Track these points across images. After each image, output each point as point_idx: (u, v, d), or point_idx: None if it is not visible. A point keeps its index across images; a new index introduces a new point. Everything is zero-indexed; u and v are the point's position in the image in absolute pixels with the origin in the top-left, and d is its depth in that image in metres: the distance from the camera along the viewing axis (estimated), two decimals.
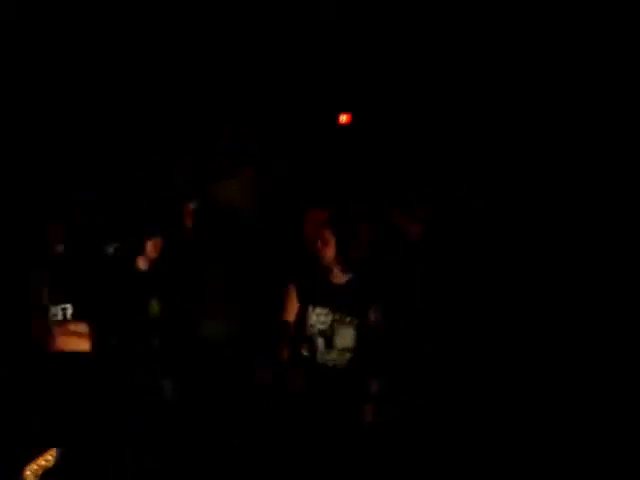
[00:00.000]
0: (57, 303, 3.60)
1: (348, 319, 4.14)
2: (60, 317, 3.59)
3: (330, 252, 4.16)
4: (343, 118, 8.06)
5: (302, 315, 4.11)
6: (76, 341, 3.46)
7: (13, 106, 7.44)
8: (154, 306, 4.59)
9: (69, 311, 3.67)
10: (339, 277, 4.26)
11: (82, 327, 3.56)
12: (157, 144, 8.01)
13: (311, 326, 4.11)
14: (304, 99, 8.08)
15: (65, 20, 7.00)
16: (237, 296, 5.34)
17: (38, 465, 2.61)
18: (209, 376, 5.00)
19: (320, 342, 4.07)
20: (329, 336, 4.07)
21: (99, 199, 6.32)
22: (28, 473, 2.68)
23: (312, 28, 7.37)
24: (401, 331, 5.79)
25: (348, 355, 4.14)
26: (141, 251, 4.33)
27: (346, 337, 4.11)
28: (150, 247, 4.24)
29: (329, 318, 4.11)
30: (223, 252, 5.48)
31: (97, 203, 6.23)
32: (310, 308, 4.11)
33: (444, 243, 6.67)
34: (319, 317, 4.09)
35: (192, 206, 5.49)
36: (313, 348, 4.09)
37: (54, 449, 2.60)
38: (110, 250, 4.32)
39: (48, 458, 2.66)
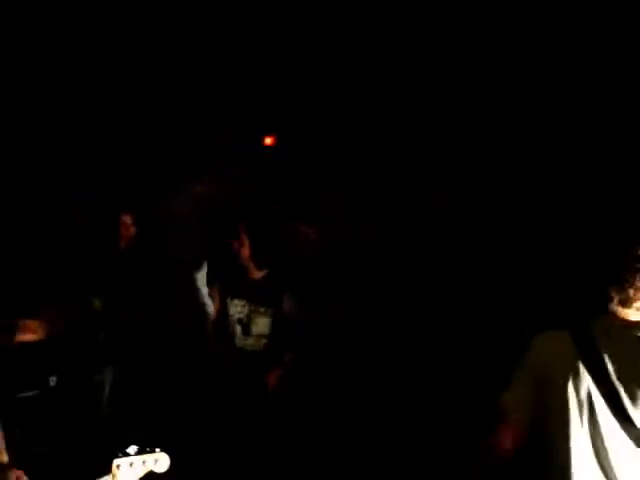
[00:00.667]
0: None
1: (263, 309, 4.67)
2: None
3: (245, 251, 4.70)
4: (267, 141, 8.27)
5: (223, 307, 4.77)
6: (30, 335, 3.98)
7: (13, 107, 7.50)
8: (96, 303, 5.30)
9: None
10: (255, 273, 4.80)
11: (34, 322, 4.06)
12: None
13: (231, 316, 4.72)
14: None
15: (65, 20, 7.00)
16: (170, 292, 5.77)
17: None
18: (150, 365, 5.45)
19: (238, 329, 4.69)
20: (246, 324, 4.66)
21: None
22: None
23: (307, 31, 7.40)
24: (401, 331, 5.84)
25: (264, 340, 4.66)
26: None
27: (260, 325, 4.65)
28: None
29: (246, 309, 4.68)
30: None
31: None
32: (229, 300, 4.75)
33: (443, 243, 6.69)
34: (237, 308, 4.70)
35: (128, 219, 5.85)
36: (232, 334, 4.71)
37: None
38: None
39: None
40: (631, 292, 2.28)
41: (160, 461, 2.54)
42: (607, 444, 2.36)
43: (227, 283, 4.98)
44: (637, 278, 2.28)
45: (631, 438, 2.32)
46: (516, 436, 2.45)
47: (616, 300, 2.33)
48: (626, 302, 2.31)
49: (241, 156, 8.18)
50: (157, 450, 2.54)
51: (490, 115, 7.64)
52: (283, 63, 7.48)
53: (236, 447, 4.65)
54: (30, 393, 4.26)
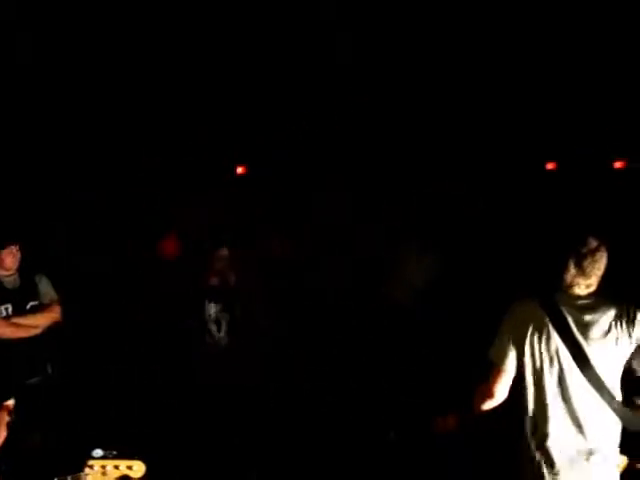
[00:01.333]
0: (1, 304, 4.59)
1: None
2: (4, 314, 4.57)
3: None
4: (239, 170, 8.47)
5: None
6: (16, 331, 4.51)
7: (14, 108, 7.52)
8: None
9: (10, 309, 4.61)
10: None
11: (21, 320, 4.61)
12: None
13: (209, 315, 5.52)
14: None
15: (65, 22, 7.00)
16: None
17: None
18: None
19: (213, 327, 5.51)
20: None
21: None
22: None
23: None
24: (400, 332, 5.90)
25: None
26: None
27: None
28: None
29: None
30: None
31: None
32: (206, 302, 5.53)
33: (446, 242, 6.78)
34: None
35: None
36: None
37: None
38: None
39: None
40: (571, 276, 2.97)
41: (135, 468, 2.63)
42: (573, 393, 2.93)
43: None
44: (572, 265, 2.96)
45: (593, 386, 2.91)
46: (504, 382, 3.00)
47: (569, 280, 2.99)
48: (573, 283, 2.99)
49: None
50: (133, 458, 2.65)
51: (487, 117, 7.66)
52: (283, 66, 7.50)
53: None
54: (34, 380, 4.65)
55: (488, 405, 3.03)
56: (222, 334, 5.47)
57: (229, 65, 7.33)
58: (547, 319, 2.94)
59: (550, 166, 8.10)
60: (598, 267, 2.97)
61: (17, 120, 7.61)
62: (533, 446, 2.97)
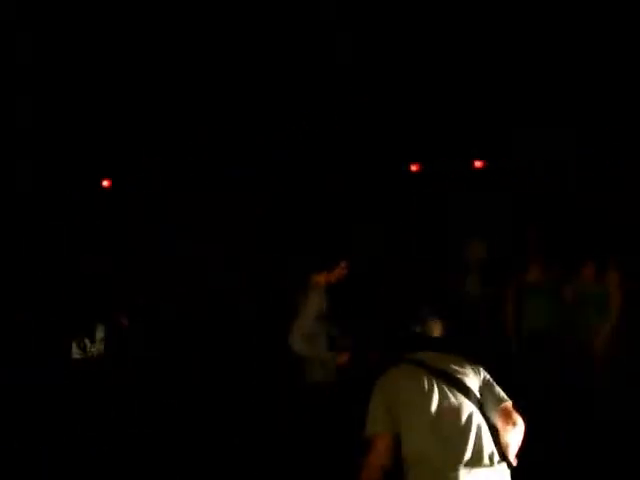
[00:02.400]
0: None
1: None
2: None
3: None
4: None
5: None
6: None
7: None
8: None
9: None
10: None
11: None
12: None
13: None
14: None
15: (65, 22, 6.74)
16: None
17: None
18: None
19: None
20: None
21: None
22: None
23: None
24: None
25: None
26: None
27: None
28: None
29: None
30: None
31: None
32: None
33: None
34: None
35: None
36: None
37: None
38: None
39: None
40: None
41: None
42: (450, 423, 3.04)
43: None
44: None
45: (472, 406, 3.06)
46: (386, 454, 3.04)
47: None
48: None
49: None
50: None
51: None
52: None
53: None
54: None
55: (384, 471, 3.05)
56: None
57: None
58: (420, 371, 3.10)
59: (414, 168, 8.19)
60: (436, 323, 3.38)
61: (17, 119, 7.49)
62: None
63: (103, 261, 5.74)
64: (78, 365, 5.04)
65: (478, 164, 7.93)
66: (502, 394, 3.16)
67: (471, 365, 3.21)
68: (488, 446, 3.04)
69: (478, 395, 3.11)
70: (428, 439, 3.00)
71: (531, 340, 5.45)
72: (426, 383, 3.08)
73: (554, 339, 5.39)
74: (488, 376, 3.21)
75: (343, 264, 4.64)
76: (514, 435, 3.11)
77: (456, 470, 2.95)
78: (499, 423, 3.10)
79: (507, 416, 3.10)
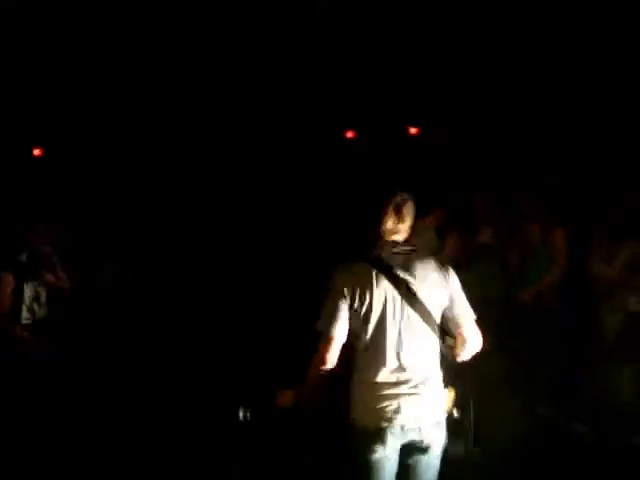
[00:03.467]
0: None
1: None
2: None
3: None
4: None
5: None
6: None
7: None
8: None
9: None
10: None
11: None
12: None
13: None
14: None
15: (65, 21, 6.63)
16: None
17: None
18: None
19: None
20: None
21: None
22: None
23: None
24: None
25: None
26: None
27: None
28: None
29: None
30: None
31: None
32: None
33: None
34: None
35: None
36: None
37: None
38: None
39: None
40: (391, 223, 3.16)
41: None
42: (405, 329, 3.09)
43: None
44: (391, 212, 3.15)
45: (421, 316, 3.10)
46: (334, 348, 3.06)
47: (389, 227, 3.16)
48: (394, 230, 3.17)
49: None
50: None
51: None
52: None
53: None
54: None
55: (320, 371, 3.09)
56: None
57: None
58: (372, 271, 3.06)
59: (350, 134, 8.26)
60: (411, 214, 3.21)
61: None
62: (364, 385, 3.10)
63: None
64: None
65: (413, 130, 8.08)
66: (466, 309, 3.21)
67: (440, 272, 3.17)
68: (425, 367, 3.11)
69: (431, 308, 3.11)
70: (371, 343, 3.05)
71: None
72: (375, 283, 3.05)
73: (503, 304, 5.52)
74: (457, 285, 3.21)
75: None
76: (465, 353, 3.20)
77: (386, 389, 3.04)
78: (457, 339, 3.18)
79: (465, 335, 3.16)
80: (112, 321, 6.27)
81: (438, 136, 7.74)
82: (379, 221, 3.14)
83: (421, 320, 3.10)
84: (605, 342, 5.29)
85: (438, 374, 3.18)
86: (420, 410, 3.08)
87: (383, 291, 3.05)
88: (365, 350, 3.09)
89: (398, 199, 3.18)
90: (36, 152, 8.20)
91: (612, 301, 5.20)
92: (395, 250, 3.14)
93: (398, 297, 3.07)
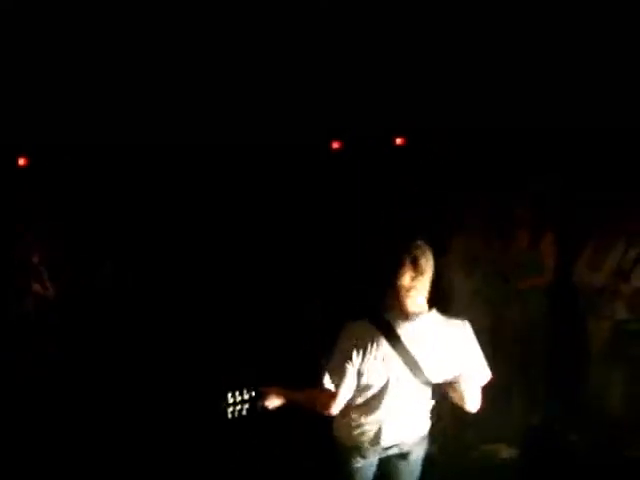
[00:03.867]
0: None
1: None
2: None
3: None
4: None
5: None
6: None
7: None
8: None
9: None
10: None
11: None
12: None
13: None
14: None
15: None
16: None
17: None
18: None
19: None
20: None
21: None
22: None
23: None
24: None
25: None
26: None
27: None
28: None
29: None
30: None
31: None
32: None
33: None
34: None
35: None
36: None
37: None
38: None
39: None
40: (409, 277, 3.07)
41: None
42: (402, 395, 3.15)
43: None
44: (408, 263, 3.06)
45: (421, 382, 3.12)
46: (341, 401, 3.17)
47: (403, 287, 3.08)
48: (409, 288, 3.08)
49: None
50: None
51: None
52: None
53: None
54: None
55: (322, 414, 3.22)
56: None
57: None
58: (376, 333, 3.05)
59: (335, 145, 8.25)
60: (430, 265, 3.10)
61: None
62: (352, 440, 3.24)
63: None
64: None
65: (399, 141, 8.07)
66: (475, 371, 3.16)
67: (453, 332, 3.13)
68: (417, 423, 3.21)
69: (432, 375, 3.11)
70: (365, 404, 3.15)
71: None
72: (376, 346, 3.05)
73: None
74: (471, 344, 3.16)
75: None
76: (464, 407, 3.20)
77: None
78: (455, 395, 3.17)
79: (465, 398, 3.14)
80: (111, 321, 6.25)
81: (425, 145, 7.75)
82: (396, 276, 3.06)
83: (418, 386, 3.13)
84: (592, 351, 5.28)
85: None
86: (403, 429, 3.23)
87: (382, 354, 3.04)
88: (358, 402, 3.19)
89: (416, 252, 3.06)
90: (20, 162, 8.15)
91: (599, 309, 5.19)
92: (406, 312, 3.08)
93: (398, 361, 3.06)
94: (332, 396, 3.13)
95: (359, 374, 3.08)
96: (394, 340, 3.02)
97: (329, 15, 7.35)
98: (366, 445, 3.23)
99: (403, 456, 3.29)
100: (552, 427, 5.24)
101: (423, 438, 3.31)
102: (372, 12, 7.25)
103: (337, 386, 3.11)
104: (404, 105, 7.72)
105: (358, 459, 3.26)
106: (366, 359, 3.03)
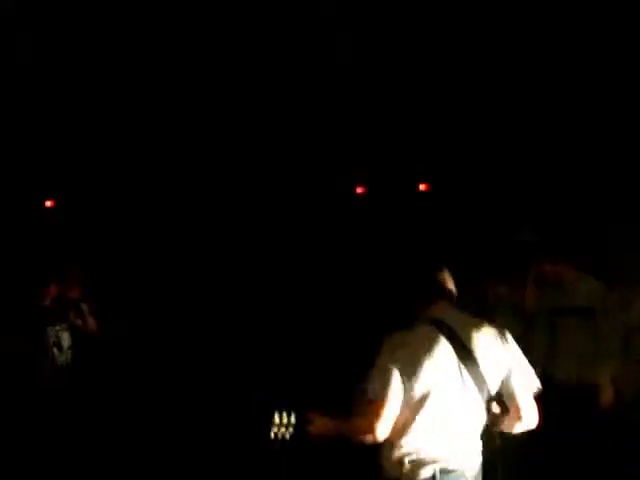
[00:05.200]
0: None
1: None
2: None
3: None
4: None
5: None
6: None
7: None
8: None
9: None
10: None
11: None
12: None
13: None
14: None
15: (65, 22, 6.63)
16: None
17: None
18: None
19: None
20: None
21: None
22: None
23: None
24: None
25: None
26: None
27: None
28: None
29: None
30: None
31: None
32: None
33: None
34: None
35: None
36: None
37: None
38: None
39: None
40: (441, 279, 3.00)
41: None
42: (458, 397, 2.88)
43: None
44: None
45: (477, 385, 2.87)
46: (387, 416, 2.81)
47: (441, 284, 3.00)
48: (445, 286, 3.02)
49: None
50: None
51: None
52: None
53: None
54: None
55: (368, 441, 2.86)
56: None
57: None
58: (432, 333, 2.84)
59: (360, 190, 8.34)
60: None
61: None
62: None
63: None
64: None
65: (422, 187, 8.16)
66: (526, 378, 2.96)
67: (499, 335, 2.95)
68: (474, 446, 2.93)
69: (488, 377, 2.88)
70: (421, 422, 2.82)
71: None
72: (443, 356, 2.82)
73: None
74: (518, 351, 2.98)
75: None
76: (517, 428, 2.98)
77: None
78: (511, 411, 2.92)
79: (521, 408, 2.90)
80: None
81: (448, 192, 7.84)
82: (429, 276, 2.97)
83: (476, 389, 2.88)
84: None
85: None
86: (462, 455, 2.91)
87: (442, 356, 2.84)
88: (409, 422, 2.86)
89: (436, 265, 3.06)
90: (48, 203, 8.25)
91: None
92: (451, 310, 2.94)
93: (457, 363, 2.84)
94: (376, 410, 2.80)
95: (407, 385, 2.81)
96: (447, 334, 2.84)
97: (349, 66, 7.52)
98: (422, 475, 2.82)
99: None
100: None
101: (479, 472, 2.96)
102: (392, 64, 7.42)
103: (380, 399, 2.80)
104: (426, 152, 7.84)
105: None
106: (412, 358, 2.82)
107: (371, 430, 2.79)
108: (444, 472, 2.83)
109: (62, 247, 6.65)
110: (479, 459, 2.98)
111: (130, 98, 7.62)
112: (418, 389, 2.80)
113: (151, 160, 8.16)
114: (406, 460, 2.84)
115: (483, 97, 7.29)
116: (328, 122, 7.98)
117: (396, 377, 2.78)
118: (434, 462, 2.84)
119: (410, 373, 2.79)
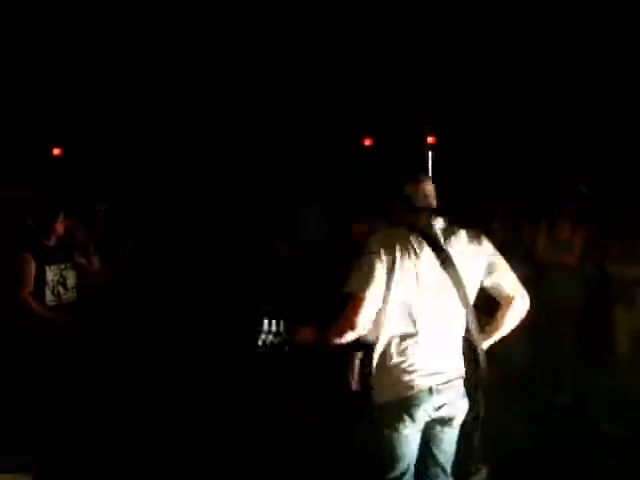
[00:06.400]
0: None
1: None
2: None
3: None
4: None
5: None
6: None
7: None
8: None
9: None
10: None
11: None
12: None
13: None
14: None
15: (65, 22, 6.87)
16: None
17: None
18: None
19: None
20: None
21: None
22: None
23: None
24: None
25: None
26: None
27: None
28: None
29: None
30: None
31: None
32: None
33: None
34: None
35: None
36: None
37: None
38: None
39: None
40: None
41: None
42: (439, 313, 2.92)
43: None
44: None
45: (456, 289, 2.91)
46: (366, 311, 2.82)
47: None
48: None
49: None
50: None
51: None
52: None
53: None
54: None
55: (349, 336, 2.85)
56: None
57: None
58: (412, 237, 2.88)
59: (367, 142, 8.37)
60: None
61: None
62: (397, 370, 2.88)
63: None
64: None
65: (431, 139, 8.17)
66: (507, 272, 3.04)
67: (473, 238, 3.01)
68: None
69: (467, 281, 2.93)
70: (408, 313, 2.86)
71: None
72: (424, 259, 2.86)
73: None
74: (492, 250, 3.04)
75: None
76: (509, 322, 3.07)
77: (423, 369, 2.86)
78: (503, 303, 3.03)
79: (512, 295, 3.02)
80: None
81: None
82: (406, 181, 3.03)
83: (455, 292, 2.91)
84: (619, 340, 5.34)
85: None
86: (450, 362, 2.95)
87: (421, 259, 2.85)
88: (395, 332, 2.88)
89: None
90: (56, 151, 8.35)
91: (630, 300, 5.22)
92: (432, 217, 2.97)
93: (437, 267, 2.87)
94: (356, 305, 2.79)
95: (389, 282, 2.82)
96: (426, 238, 2.89)
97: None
98: (416, 390, 2.85)
99: (449, 421, 2.96)
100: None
101: (465, 397, 2.97)
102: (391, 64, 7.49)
103: (359, 293, 2.80)
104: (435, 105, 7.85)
105: (406, 422, 2.88)
106: (396, 257, 2.83)
107: (352, 324, 2.80)
108: (439, 384, 2.89)
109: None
110: (463, 369, 3.00)
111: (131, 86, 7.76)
112: (400, 288, 2.83)
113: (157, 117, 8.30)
114: (400, 375, 2.87)
115: (484, 97, 7.35)
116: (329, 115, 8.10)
117: (378, 270, 2.80)
118: (428, 374, 2.88)
119: (390, 270, 2.81)
